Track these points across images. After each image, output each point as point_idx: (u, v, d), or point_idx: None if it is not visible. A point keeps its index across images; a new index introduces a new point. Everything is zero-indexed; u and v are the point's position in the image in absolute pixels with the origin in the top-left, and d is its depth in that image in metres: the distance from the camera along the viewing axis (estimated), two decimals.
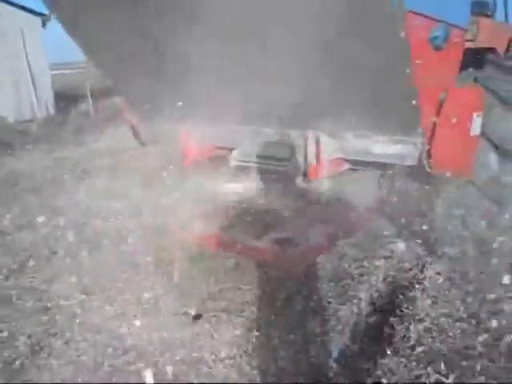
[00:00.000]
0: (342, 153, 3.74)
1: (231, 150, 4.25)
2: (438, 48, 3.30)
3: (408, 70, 3.03)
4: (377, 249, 3.54)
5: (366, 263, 3.40)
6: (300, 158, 3.87)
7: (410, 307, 3.01)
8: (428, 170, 3.45)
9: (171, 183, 4.43)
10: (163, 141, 4.87)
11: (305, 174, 3.85)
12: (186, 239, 3.77)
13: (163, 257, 3.68)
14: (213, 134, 4.26)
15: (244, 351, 2.84)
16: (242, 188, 4.22)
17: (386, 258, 3.42)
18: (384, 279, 3.26)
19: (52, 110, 11.02)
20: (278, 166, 3.99)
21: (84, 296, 3.37)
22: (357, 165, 3.84)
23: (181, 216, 3.96)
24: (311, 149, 3.78)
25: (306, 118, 3.68)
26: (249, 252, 3.57)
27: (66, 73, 12.45)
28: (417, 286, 3.17)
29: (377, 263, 3.39)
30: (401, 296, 3.11)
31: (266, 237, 3.66)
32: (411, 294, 3.12)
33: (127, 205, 4.53)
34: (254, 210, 4.01)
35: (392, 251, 3.46)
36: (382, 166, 3.70)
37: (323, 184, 3.89)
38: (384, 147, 3.59)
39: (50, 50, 11.52)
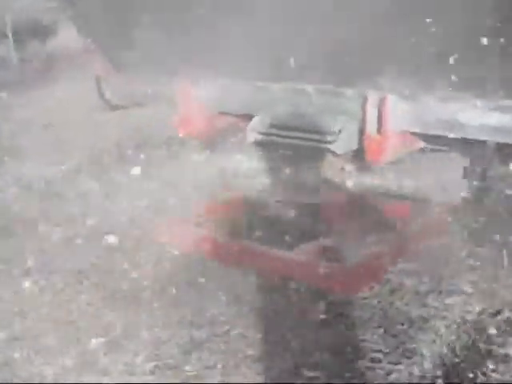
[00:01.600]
0: (418, 124, 3.45)
1: (249, 117, 3.94)
2: None
3: None
4: (450, 279, 3.30)
5: (431, 300, 3.16)
6: (354, 131, 3.57)
7: (500, 369, 2.73)
8: None
9: (149, 170, 4.42)
10: (145, 103, 4.60)
11: (360, 155, 3.57)
12: (168, 249, 3.68)
13: (129, 279, 3.52)
14: (223, 94, 4.02)
15: None
16: (263, 174, 4.03)
17: (462, 293, 3.18)
18: (459, 326, 2.97)
19: None
20: (321, 142, 3.65)
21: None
22: (436, 143, 3.57)
23: (166, 216, 3.93)
24: (371, 116, 3.48)
25: (364, 71, 3.43)
26: (271, 267, 3.41)
27: None
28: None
29: (448, 301, 3.13)
30: (485, 352, 2.83)
31: (298, 245, 3.50)
32: (502, 349, 2.83)
33: (75, 204, 4.30)
34: (281, 208, 3.87)
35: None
36: (474, 146, 3.45)
37: (384, 170, 3.71)
38: (481, 117, 3.28)
39: None
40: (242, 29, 3.46)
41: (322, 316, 3.10)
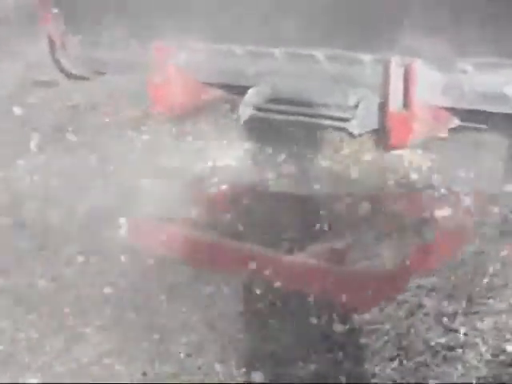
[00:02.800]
0: (453, 97, 3.31)
1: (243, 89, 3.84)
2: None
3: None
4: (481, 297, 3.11)
5: (459, 325, 2.96)
6: (374, 106, 3.47)
7: None
8: None
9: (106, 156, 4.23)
10: (110, 72, 4.44)
11: (382, 135, 3.50)
12: (130, 253, 3.55)
13: (74, 295, 3.36)
14: (210, 62, 3.91)
15: None
16: (258, 160, 3.91)
17: (497, 315, 2.98)
18: (494, 356, 2.77)
19: None
20: (332, 120, 3.56)
21: None
22: (475, 121, 3.45)
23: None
24: (396, 88, 3.36)
25: (386, 31, 3.35)
26: (269, 271, 3.26)
27: None
28: None
29: (480, 325, 2.94)
30: None
31: (304, 248, 3.37)
32: None
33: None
34: (282, 201, 3.74)
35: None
36: None
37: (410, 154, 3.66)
38: None
39: None
40: None
41: (324, 344, 2.92)
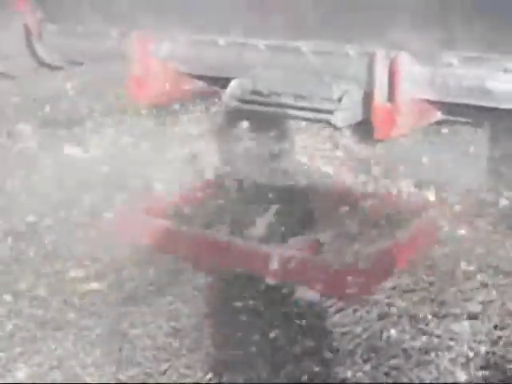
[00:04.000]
0: (437, 90, 3.32)
1: (226, 81, 3.82)
2: None
3: None
4: (455, 299, 3.09)
5: (432, 327, 2.93)
6: (358, 98, 3.48)
7: None
8: None
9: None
10: (90, 61, 4.36)
11: (366, 128, 3.52)
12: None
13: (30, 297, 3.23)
14: (192, 53, 3.88)
15: None
16: (240, 151, 3.86)
17: (472, 318, 2.96)
18: (468, 359, 2.76)
19: None
20: (316, 113, 3.56)
21: None
22: (458, 114, 3.50)
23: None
24: (380, 81, 3.36)
25: (371, 23, 3.36)
26: (247, 265, 3.22)
27: None
28: None
29: (454, 327, 2.91)
30: None
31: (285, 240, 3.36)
32: None
33: None
34: (261, 194, 3.74)
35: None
36: (503, 118, 3.38)
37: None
38: None
39: None
40: None
41: (292, 347, 2.85)
